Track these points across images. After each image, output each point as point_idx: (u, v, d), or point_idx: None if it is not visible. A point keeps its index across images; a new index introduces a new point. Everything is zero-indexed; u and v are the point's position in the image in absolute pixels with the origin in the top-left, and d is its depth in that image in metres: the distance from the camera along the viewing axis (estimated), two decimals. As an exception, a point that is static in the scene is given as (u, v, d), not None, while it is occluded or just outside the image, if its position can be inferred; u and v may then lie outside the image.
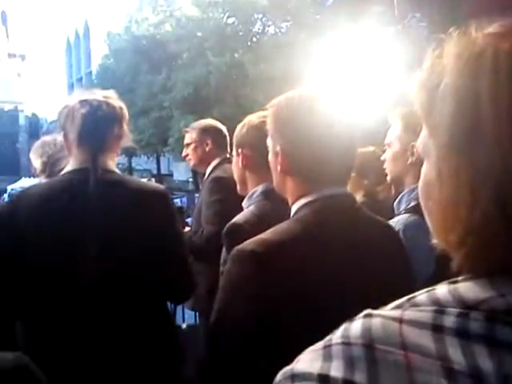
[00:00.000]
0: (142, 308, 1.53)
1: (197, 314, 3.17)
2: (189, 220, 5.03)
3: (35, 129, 45.69)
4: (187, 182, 24.45)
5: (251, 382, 0.98)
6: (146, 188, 1.61)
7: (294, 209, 1.11)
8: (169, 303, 1.90)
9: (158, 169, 25.93)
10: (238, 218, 1.60)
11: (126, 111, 1.67)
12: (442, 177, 0.46)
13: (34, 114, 48.21)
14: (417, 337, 0.42)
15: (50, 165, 2.18)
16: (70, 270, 1.44)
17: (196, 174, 17.85)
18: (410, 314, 0.44)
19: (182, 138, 3.06)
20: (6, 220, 1.51)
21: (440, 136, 0.46)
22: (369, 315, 0.46)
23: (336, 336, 0.46)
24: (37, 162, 2.27)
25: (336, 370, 0.42)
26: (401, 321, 0.43)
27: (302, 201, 1.08)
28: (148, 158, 23.51)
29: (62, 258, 1.44)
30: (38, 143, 2.32)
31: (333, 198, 1.08)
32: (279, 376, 0.46)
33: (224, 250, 1.62)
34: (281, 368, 0.48)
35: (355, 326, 0.45)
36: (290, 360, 0.48)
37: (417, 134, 1.61)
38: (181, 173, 25.44)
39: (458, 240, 0.45)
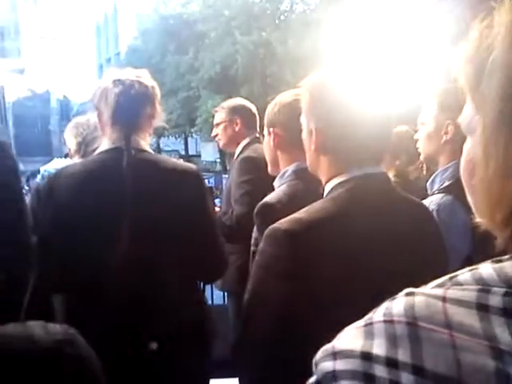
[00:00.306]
0: (173, 286, 1.55)
1: (225, 294, 3.20)
2: (216, 201, 5.06)
3: (66, 111, 46.46)
4: (215, 162, 24.55)
5: (284, 362, 0.98)
6: (179, 167, 1.62)
7: (327, 188, 1.10)
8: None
9: (186, 149, 26.09)
10: (270, 197, 1.59)
11: (158, 90, 1.67)
12: (488, 153, 0.45)
13: (64, 97, 48.95)
14: (461, 316, 0.41)
15: (85, 145, 2.20)
16: (105, 246, 1.47)
17: (224, 155, 17.90)
18: (453, 292, 0.43)
19: (210, 118, 3.06)
20: (44, 199, 1.55)
21: (488, 111, 0.45)
22: (411, 293, 0.45)
23: (377, 314, 0.45)
24: (71, 143, 2.29)
25: (379, 348, 0.42)
26: (444, 299, 0.43)
27: (336, 180, 1.07)
28: (176, 138, 23.67)
29: (97, 235, 1.47)
30: (71, 124, 2.33)
31: (367, 177, 1.06)
32: (320, 353, 0.46)
33: (255, 229, 1.62)
34: (313, 349, 0.48)
35: (397, 304, 0.45)
36: (322, 341, 0.48)
37: (452, 112, 1.57)
38: (208, 153, 25.54)
39: (505, 218, 0.44)
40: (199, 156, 27.77)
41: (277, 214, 1.49)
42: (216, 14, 17.77)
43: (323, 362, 0.45)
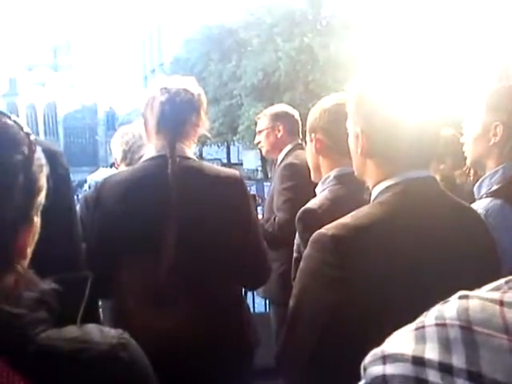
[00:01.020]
0: (217, 293, 1.56)
1: (267, 301, 3.19)
2: (259, 209, 5.06)
3: (112, 121, 47.90)
4: (256, 170, 24.63)
5: (328, 369, 0.97)
6: (223, 174, 1.62)
7: (374, 192, 1.08)
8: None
9: (228, 158, 26.30)
10: (311, 203, 1.59)
11: (204, 98, 1.68)
12: None
13: (111, 108, 50.48)
14: None
15: (131, 153, 2.22)
16: (151, 253, 1.49)
17: (265, 162, 17.92)
18: (510, 296, 0.41)
19: (253, 125, 3.08)
20: (91, 207, 1.60)
21: None
22: (465, 296, 0.44)
23: (429, 317, 0.44)
24: (117, 152, 2.31)
25: (431, 352, 0.41)
26: (501, 303, 0.41)
27: (384, 184, 1.05)
28: (218, 146, 23.88)
29: (143, 242, 1.50)
30: (118, 133, 2.36)
31: (416, 181, 1.04)
32: (369, 357, 0.46)
33: (297, 236, 1.61)
34: (360, 355, 0.47)
35: (450, 307, 0.43)
36: (368, 347, 0.48)
37: (501, 113, 1.52)
38: (250, 161, 25.67)
39: None
40: (241, 164, 27.94)
41: (318, 219, 1.48)
42: (258, 21, 17.90)
43: (372, 366, 0.45)
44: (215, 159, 25.72)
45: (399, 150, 1.04)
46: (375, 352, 0.45)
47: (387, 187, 1.05)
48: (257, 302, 3.72)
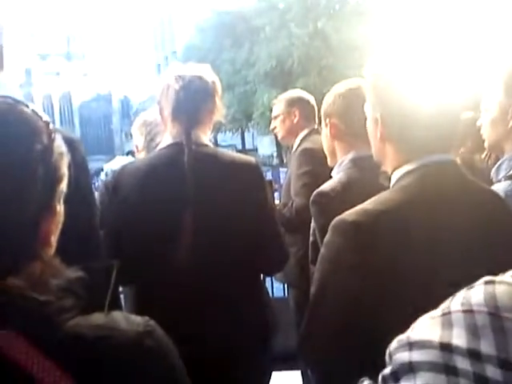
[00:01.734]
0: (235, 278, 1.56)
1: (285, 286, 3.20)
2: (275, 194, 5.05)
3: (127, 110, 48.12)
4: (271, 156, 24.60)
5: (352, 355, 0.97)
6: (238, 160, 1.63)
7: (394, 177, 1.06)
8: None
9: (243, 144, 26.29)
10: (325, 186, 1.59)
11: (218, 85, 1.68)
12: None
13: (125, 96, 50.66)
14: None
15: (152, 140, 2.22)
16: (169, 239, 1.50)
17: (281, 148, 17.89)
18: None
19: (267, 111, 3.07)
20: (110, 193, 1.61)
21: None
22: (490, 282, 0.43)
23: (455, 303, 0.43)
24: (139, 140, 2.31)
25: (458, 339, 0.40)
26: None
27: (404, 168, 1.04)
28: (233, 133, 23.88)
29: (160, 228, 1.51)
30: (139, 121, 2.34)
31: (436, 166, 1.02)
32: (394, 344, 0.45)
33: (313, 220, 1.61)
34: (382, 341, 0.47)
35: (476, 293, 0.43)
36: (392, 333, 0.47)
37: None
38: (265, 147, 25.63)
39: None
40: (256, 150, 27.92)
41: (331, 202, 1.49)
42: (270, 7, 17.75)
43: (398, 352, 0.44)
44: (230, 145, 25.74)
45: (418, 133, 1.02)
46: (401, 338, 0.45)
47: (407, 172, 1.03)
48: (275, 287, 3.74)
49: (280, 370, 2.14)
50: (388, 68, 1.07)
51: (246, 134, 25.93)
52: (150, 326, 0.65)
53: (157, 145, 1.79)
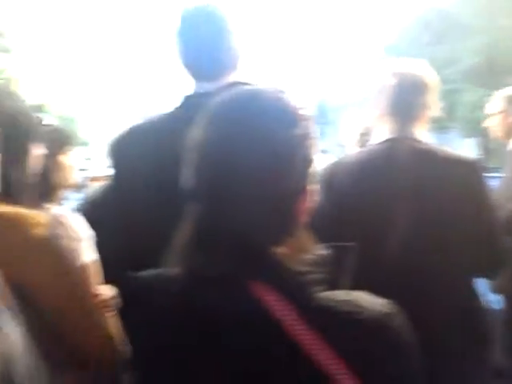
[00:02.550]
0: (448, 283, 1.52)
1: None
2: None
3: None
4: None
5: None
6: (457, 158, 1.58)
7: None
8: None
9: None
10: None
11: (434, 81, 1.66)
12: None
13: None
14: None
15: (366, 135, 2.32)
16: (382, 230, 1.51)
17: (487, 151, 16.47)
18: None
19: (472, 112, 2.87)
20: (325, 186, 1.67)
21: None
22: None
23: None
24: (353, 134, 2.43)
25: None
26: None
27: None
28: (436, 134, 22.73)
29: (374, 221, 1.52)
30: (354, 115, 2.48)
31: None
32: None
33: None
34: None
35: None
36: None
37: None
38: (467, 150, 23.86)
39: None
40: (456, 153, 26.10)
41: None
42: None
43: None
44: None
45: None
46: None
47: None
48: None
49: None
50: None
51: (445, 136, 24.41)
52: (394, 309, 0.67)
53: (368, 140, 1.82)
